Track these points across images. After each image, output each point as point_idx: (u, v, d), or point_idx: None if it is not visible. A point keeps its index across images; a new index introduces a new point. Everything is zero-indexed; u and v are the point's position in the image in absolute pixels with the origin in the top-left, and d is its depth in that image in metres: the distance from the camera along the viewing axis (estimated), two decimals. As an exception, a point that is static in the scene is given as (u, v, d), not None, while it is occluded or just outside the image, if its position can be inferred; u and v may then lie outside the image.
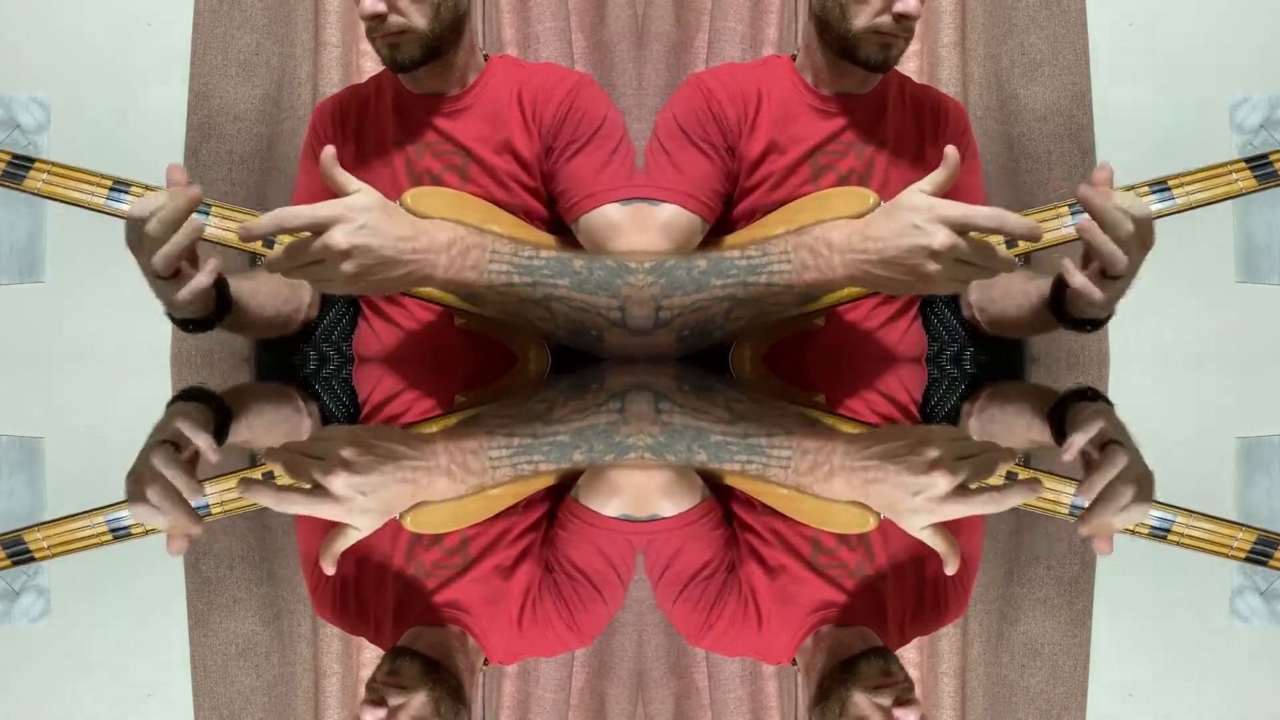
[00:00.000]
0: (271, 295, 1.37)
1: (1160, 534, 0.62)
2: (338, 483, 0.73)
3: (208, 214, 1.21)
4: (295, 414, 1.10)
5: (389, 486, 0.72)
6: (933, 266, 1.10)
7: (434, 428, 1.00)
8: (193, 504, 0.68)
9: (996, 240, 1.14)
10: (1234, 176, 1.18)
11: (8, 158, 1.20)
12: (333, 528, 0.65)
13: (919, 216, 1.10)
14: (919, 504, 0.68)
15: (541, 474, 0.79)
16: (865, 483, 0.75)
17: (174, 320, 1.26)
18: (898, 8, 1.27)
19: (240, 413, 1.03)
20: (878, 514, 0.68)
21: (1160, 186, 1.20)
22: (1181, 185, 1.19)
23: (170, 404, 0.95)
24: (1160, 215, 1.21)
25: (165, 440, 0.82)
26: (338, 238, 1.10)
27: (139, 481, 0.71)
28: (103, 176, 1.19)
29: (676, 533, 0.65)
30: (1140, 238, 1.12)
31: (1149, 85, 2.05)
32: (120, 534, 0.61)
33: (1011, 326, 1.43)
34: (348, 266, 1.11)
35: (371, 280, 1.14)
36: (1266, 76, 2.10)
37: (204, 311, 1.24)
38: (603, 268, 1.22)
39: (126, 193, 1.20)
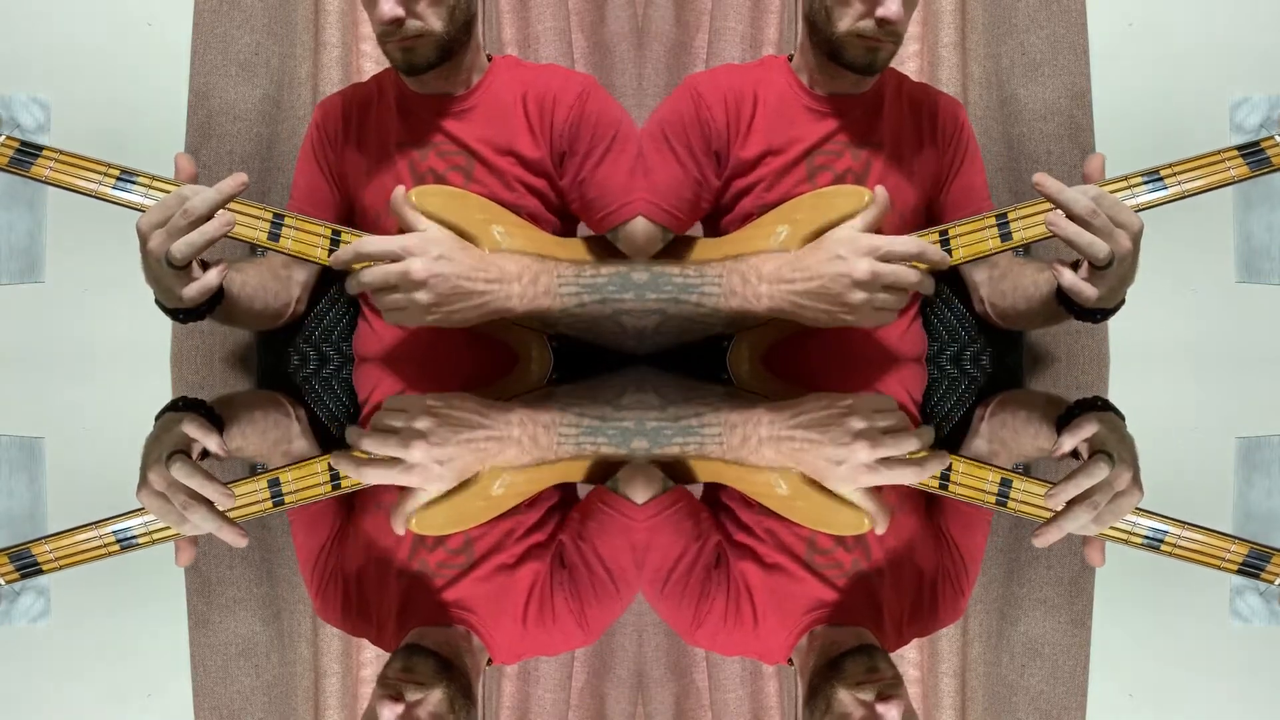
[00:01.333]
0: (260, 289, 1.37)
1: (1153, 545, 0.62)
2: (416, 452, 0.75)
3: None
4: (284, 419, 1.10)
5: (463, 456, 0.75)
6: (857, 295, 1.20)
7: (514, 400, 1.04)
8: (224, 508, 0.68)
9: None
10: (1227, 164, 1.18)
11: (16, 144, 1.20)
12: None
13: (843, 248, 1.20)
14: (843, 472, 0.70)
15: (602, 454, 0.80)
16: (793, 451, 0.78)
17: (164, 309, 1.27)
18: (879, 12, 1.27)
19: (234, 420, 1.04)
20: (882, 522, 0.68)
21: (1152, 176, 1.20)
22: (1174, 174, 1.19)
23: (160, 415, 0.96)
24: (1154, 205, 1.21)
25: (175, 450, 0.83)
26: (416, 267, 1.19)
27: (167, 496, 0.71)
28: (110, 165, 1.19)
29: (643, 524, 0.65)
30: (1117, 220, 1.14)
31: (1149, 85, 2.05)
32: (128, 544, 0.61)
33: (1023, 319, 1.44)
34: (423, 296, 1.20)
35: (449, 310, 1.22)
36: (1266, 76, 2.10)
37: (196, 302, 1.24)
38: (646, 273, 1.28)
39: (134, 182, 1.20)
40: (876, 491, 0.67)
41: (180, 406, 0.99)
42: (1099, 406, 1.01)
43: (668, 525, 0.65)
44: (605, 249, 1.37)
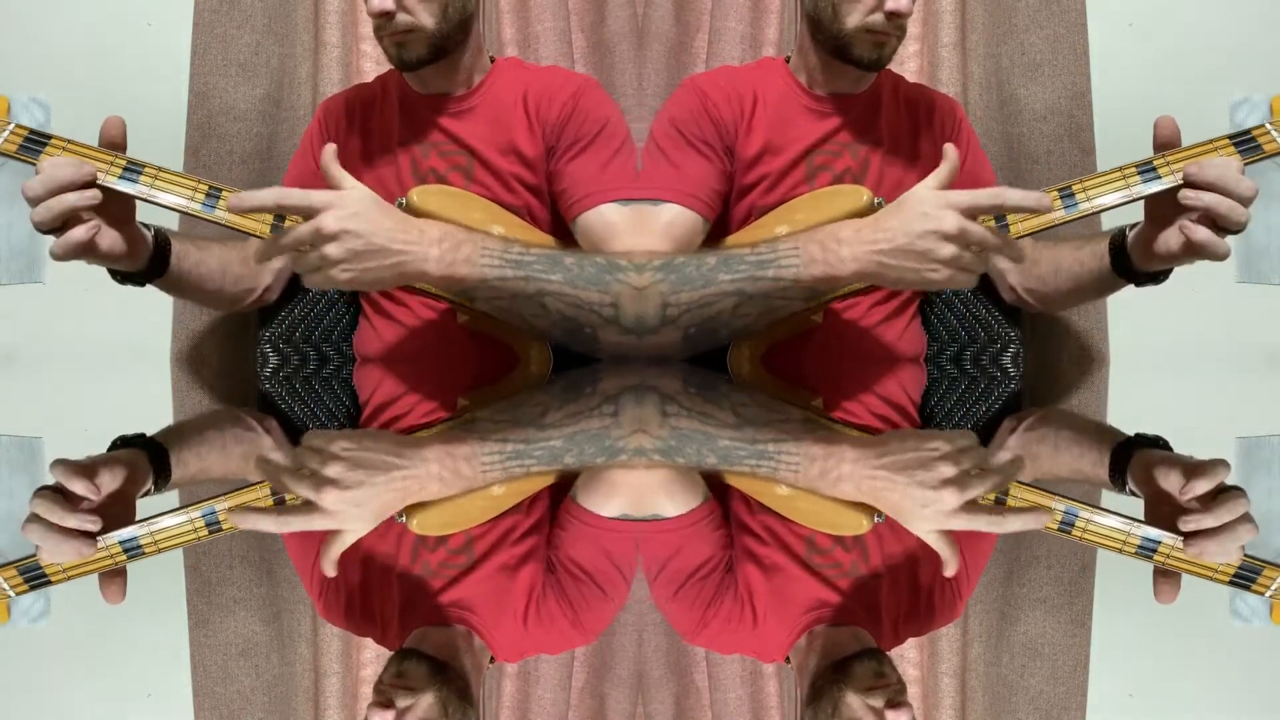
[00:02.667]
0: (219, 270, 1.36)
1: (1147, 554, 0.62)
2: (329, 499, 0.73)
3: (218, 198, 1.21)
4: (247, 432, 1.09)
5: (379, 496, 0.73)
6: (945, 250, 1.14)
7: (427, 434, 1.01)
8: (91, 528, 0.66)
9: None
10: (1219, 154, 1.18)
11: (25, 132, 1.20)
12: (328, 533, 0.65)
13: (927, 205, 1.15)
14: (927, 514, 0.69)
15: (533, 474, 0.79)
16: (874, 490, 0.76)
17: (110, 271, 1.27)
18: (889, 6, 1.27)
19: (185, 445, 1.02)
20: (873, 516, 0.68)
21: (1146, 168, 1.20)
22: (1167, 165, 1.19)
23: (109, 450, 0.95)
24: (1151, 196, 1.21)
25: (49, 488, 0.80)
26: (328, 220, 1.13)
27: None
28: (116, 156, 1.19)
29: (677, 533, 0.65)
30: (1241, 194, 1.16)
31: (1149, 85, 2.05)
32: (134, 553, 0.61)
33: (1069, 298, 1.46)
34: (335, 250, 1.14)
35: (361, 268, 1.15)
36: (1266, 76, 2.10)
37: (131, 265, 1.24)
38: (593, 264, 1.23)
39: (140, 174, 1.20)
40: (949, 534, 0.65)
41: (124, 444, 0.98)
42: (1155, 444, 1.00)
43: (703, 533, 0.65)
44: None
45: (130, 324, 1.71)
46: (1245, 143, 1.19)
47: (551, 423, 1.03)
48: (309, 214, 1.14)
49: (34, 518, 0.69)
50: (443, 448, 0.91)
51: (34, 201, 1.15)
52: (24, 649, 0.51)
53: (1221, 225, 1.17)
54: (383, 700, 0.43)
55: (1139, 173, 1.21)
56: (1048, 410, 1.29)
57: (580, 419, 1.05)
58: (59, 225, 1.16)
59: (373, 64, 1.77)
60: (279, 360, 1.55)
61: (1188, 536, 0.66)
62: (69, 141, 1.19)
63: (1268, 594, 0.56)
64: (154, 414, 1.33)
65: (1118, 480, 0.84)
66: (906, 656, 0.48)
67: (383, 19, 1.30)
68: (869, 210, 1.27)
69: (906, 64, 1.78)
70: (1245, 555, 0.62)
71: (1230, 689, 0.48)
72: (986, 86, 1.80)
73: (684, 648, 0.50)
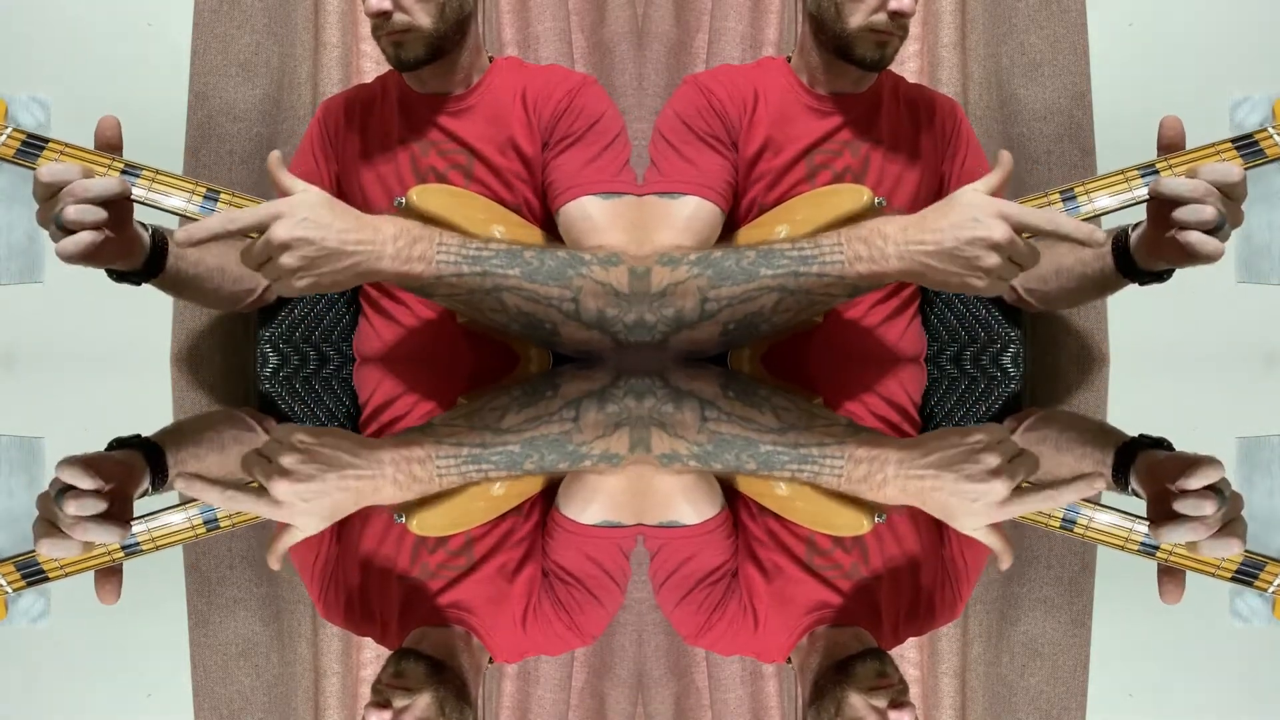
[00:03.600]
0: (217, 269, 1.36)
1: (1149, 551, 0.62)
2: (280, 489, 0.73)
3: (216, 200, 1.21)
4: (246, 432, 1.09)
5: (330, 494, 0.73)
6: (991, 259, 1.13)
7: (385, 438, 1.00)
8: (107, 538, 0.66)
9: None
10: (1221, 157, 1.18)
11: (22, 136, 1.19)
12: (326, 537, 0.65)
13: (979, 211, 1.13)
14: (978, 508, 0.69)
15: (491, 480, 0.79)
16: (920, 491, 0.76)
17: (106, 270, 1.26)
18: (893, 5, 1.27)
19: (183, 445, 1.01)
20: (873, 517, 0.68)
21: (1148, 171, 1.20)
22: (1169, 168, 1.19)
23: (107, 450, 0.95)
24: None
25: (64, 488, 0.80)
26: (278, 231, 1.12)
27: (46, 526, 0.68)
28: (114, 159, 1.19)
29: (694, 540, 0.65)
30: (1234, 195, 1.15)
31: (1149, 85, 2.05)
32: (131, 550, 0.61)
33: (1070, 298, 1.46)
34: (289, 259, 1.12)
35: (318, 273, 1.14)
36: (1266, 76, 2.10)
37: (129, 265, 1.23)
38: (554, 258, 1.22)
39: (138, 177, 1.20)
40: (998, 527, 0.65)
41: (123, 445, 0.97)
42: (1158, 445, 1.00)
43: (715, 541, 0.65)
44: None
45: (130, 324, 1.71)
46: (1247, 146, 1.19)
47: (509, 426, 1.02)
48: (261, 229, 1.13)
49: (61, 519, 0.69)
50: (398, 450, 0.91)
51: (64, 196, 1.12)
52: (24, 649, 0.51)
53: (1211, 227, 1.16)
54: (380, 700, 0.43)
55: (1141, 175, 1.21)
56: (1049, 411, 1.29)
57: (539, 423, 1.04)
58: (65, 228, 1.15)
59: (373, 64, 1.77)
60: (279, 360, 1.55)
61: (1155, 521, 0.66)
62: (67, 145, 1.19)
63: (1270, 590, 0.56)
64: (154, 414, 1.33)
65: (1120, 481, 0.84)
66: (906, 656, 0.48)
67: (380, 19, 1.30)
68: (869, 209, 1.27)
69: (906, 64, 1.78)
70: (1247, 552, 0.62)
71: (1230, 689, 0.48)
72: (986, 86, 1.80)
73: (684, 648, 0.50)
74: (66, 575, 0.57)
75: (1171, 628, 0.54)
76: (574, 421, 1.05)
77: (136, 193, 1.19)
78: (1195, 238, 1.15)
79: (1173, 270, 1.28)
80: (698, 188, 1.32)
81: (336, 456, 0.87)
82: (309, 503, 0.70)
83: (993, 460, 0.83)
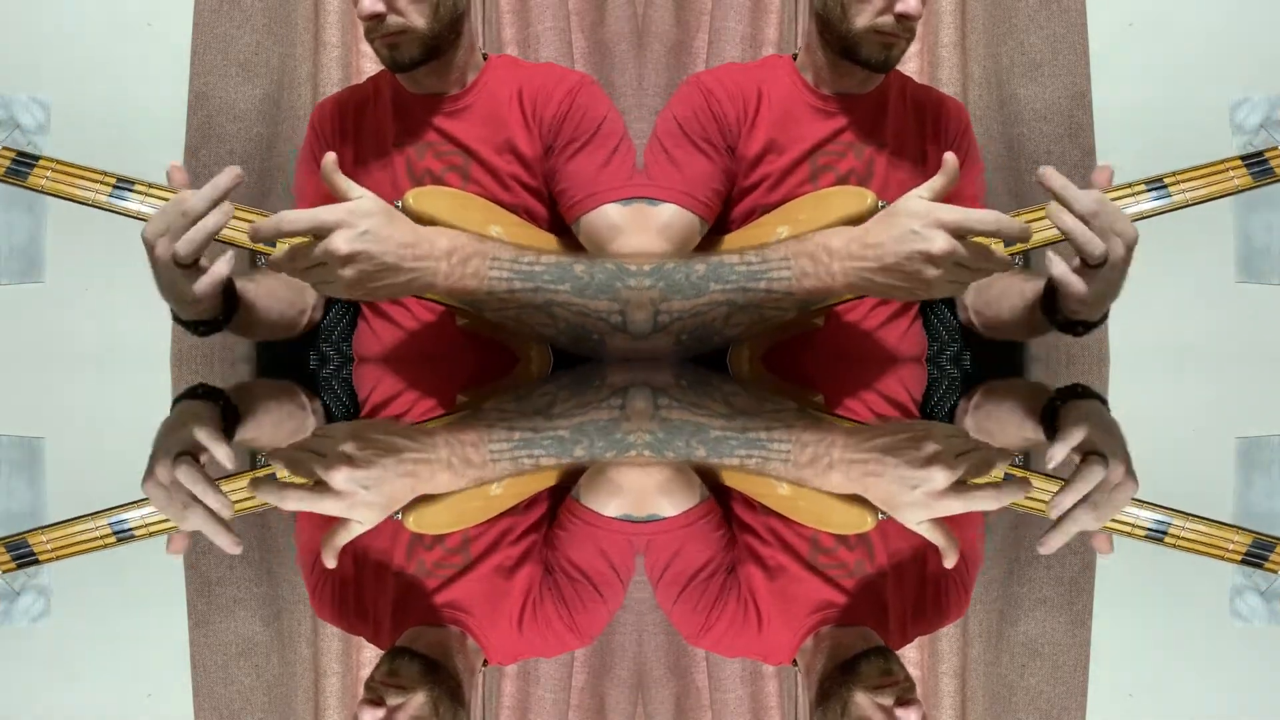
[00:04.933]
0: (272, 298, 1.36)
1: (1157, 536, 0.62)
2: (339, 478, 0.73)
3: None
4: (299, 410, 1.10)
5: (390, 480, 0.73)
6: (932, 271, 1.12)
7: (436, 423, 1.01)
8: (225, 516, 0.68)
9: (994, 241, 1.15)
10: (1230, 174, 1.18)
11: (12, 155, 1.20)
12: (333, 523, 0.65)
13: (917, 222, 1.12)
14: (917, 498, 0.69)
15: (542, 468, 0.79)
16: (863, 475, 0.76)
17: (183, 323, 1.25)
18: (899, 8, 1.27)
19: (246, 412, 1.03)
20: (876, 514, 0.68)
21: (1156, 184, 1.20)
22: (1177, 183, 1.19)
23: (176, 401, 0.95)
24: (1158, 213, 1.21)
25: (183, 451, 0.82)
26: (339, 243, 1.11)
27: (170, 496, 0.70)
28: (106, 174, 1.19)
29: (677, 533, 0.65)
30: (1114, 228, 1.13)
31: (1149, 85, 2.05)
32: (124, 536, 0.61)
33: (1006, 329, 1.42)
34: (348, 272, 1.12)
35: (372, 286, 1.15)
36: (1266, 76, 2.10)
37: (213, 312, 1.23)
38: (603, 271, 1.23)
39: (131, 190, 1.20)
40: (944, 522, 0.66)
41: (199, 394, 0.98)
42: (1079, 394, 1.00)
43: (701, 533, 0.65)
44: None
45: (130, 324, 1.71)
46: (1257, 164, 1.19)
47: (560, 413, 1.03)
48: (319, 233, 1.12)
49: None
50: (451, 434, 0.91)
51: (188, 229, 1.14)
52: (24, 649, 0.51)
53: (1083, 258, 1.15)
54: (374, 698, 0.43)
55: (1148, 189, 1.20)
56: (988, 386, 1.29)
57: (589, 410, 1.05)
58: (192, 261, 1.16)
59: (372, 64, 1.77)
60: (280, 360, 1.55)
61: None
62: (57, 162, 1.19)
63: None
64: (154, 414, 1.33)
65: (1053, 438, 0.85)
66: (907, 656, 0.48)
67: (374, 21, 1.29)
68: (871, 213, 1.27)
69: (907, 64, 1.78)
70: (1257, 534, 0.62)
71: (1230, 689, 0.48)
72: (986, 86, 1.80)
73: (684, 647, 0.50)
74: (58, 558, 0.57)
75: (1172, 628, 0.54)
76: (621, 410, 1.06)
77: (131, 206, 1.20)
78: (1059, 270, 1.15)
79: (1093, 326, 1.25)
80: (677, 194, 1.32)
81: (392, 442, 0.87)
82: (369, 490, 0.70)
83: (932, 447, 0.84)
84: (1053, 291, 1.23)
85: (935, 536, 0.62)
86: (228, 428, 0.88)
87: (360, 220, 1.12)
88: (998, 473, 0.78)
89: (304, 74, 1.79)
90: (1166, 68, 2.08)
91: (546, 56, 1.78)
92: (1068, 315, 1.23)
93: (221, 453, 0.82)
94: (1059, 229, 1.15)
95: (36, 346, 2.09)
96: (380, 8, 1.27)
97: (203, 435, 0.87)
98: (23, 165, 1.19)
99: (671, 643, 0.51)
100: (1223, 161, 1.19)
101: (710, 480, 0.78)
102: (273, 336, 1.49)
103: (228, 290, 1.24)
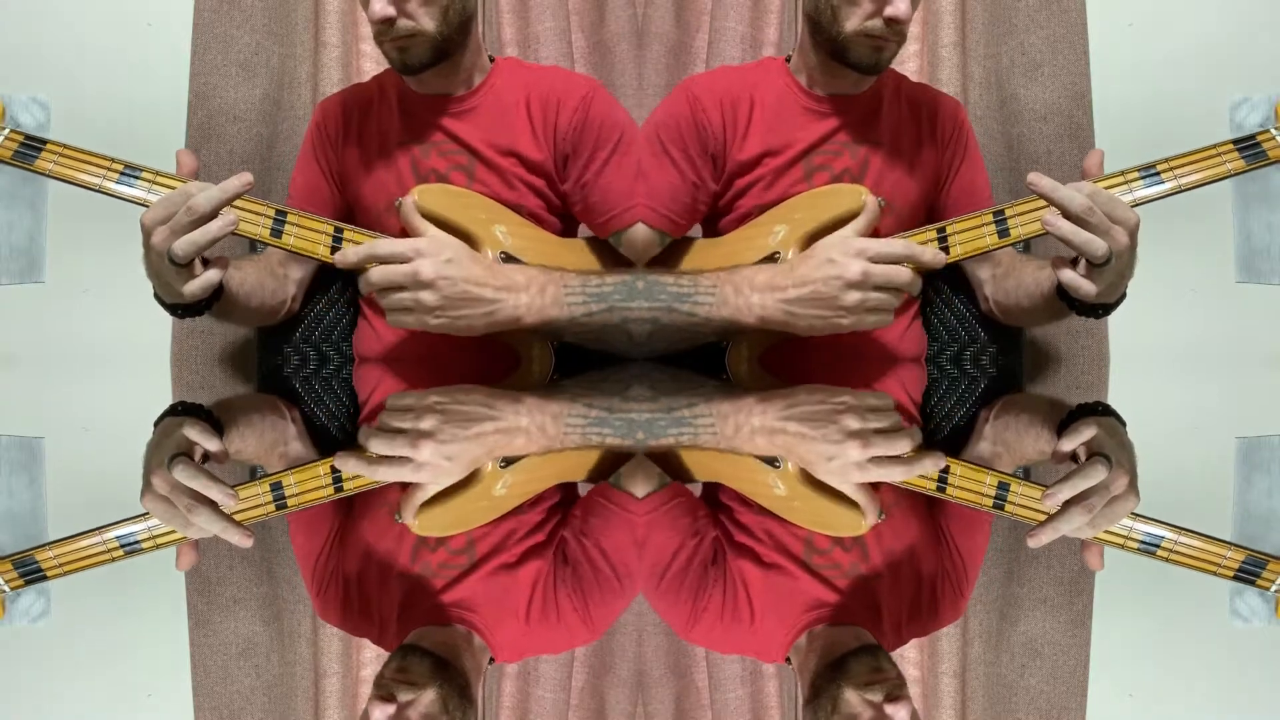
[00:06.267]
0: (257, 286, 1.37)
1: (1150, 550, 0.62)
2: (425, 452, 0.76)
3: None
4: (280, 420, 1.10)
5: (471, 449, 0.76)
6: (850, 296, 1.20)
7: (523, 390, 1.05)
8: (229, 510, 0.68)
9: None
10: (1223, 158, 1.18)
11: (20, 138, 1.20)
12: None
13: (834, 252, 1.21)
14: (835, 467, 0.71)
15: (608, 446, 0.82)
16: (785, 443, 0.78)
17: (162, 304, 1.28)
18: (888, 11, 1.27)
19: (232, 423, 1.04)
20: (875, 514, 0.68)
21: (1149, 171, 1.20)
22: (1170, 169, 1.19)
23: (159, 420, 0.96)
24: (1151, 200, 1.21)
25: (177, 453, 0.82)
26: (425, 268, 1.20)
27: (171, 499, 0.70)
28: (114, 160, 1.19)
29: (642, 519, 0.65)
30: (1113, 217, 1.15)
31: (1149, 85, 2.05)
32: (131, 549, 0.61)
33: (1026, 316, 1.45)
34: (429, 296, 1.20)
35: (454, 315, 1.22)
36: (1266, 76, 2.10)
37: (198, 299, 1.25)
38: (657, 283, 1.28)
39: (138, 178, 1.20)
40: (872, 487, 0.67)
41: (179, 411, 0.99)
42: (1100, 411, 1.01)
43: (664, 520, 0.65)
44: (607, 249, 1.38)
45: (130, 324, 1.71)
46: (1249, 148, 1.19)
47: (635, 396, 1.06)
48: (402, 260, 1.20)
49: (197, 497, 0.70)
50: (537, 401, 0.94)
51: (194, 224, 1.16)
52: (24, 649, 0.51)
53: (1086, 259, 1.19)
54: (384, 694, 0.43)
55: (1141, 176, 1.21)
56: (1009, 398, 1.30)
57: (661, 398, 1.08)
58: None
59: (373, 64, 1.77)
60: (279, 360, 1.55)
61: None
62: (65, 146, 1.19)
63: (1272, 589, 0.56)
64: (154, 414, 1.33)
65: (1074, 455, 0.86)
66: (906, 656, 0.48)
67: (384, 25, 1.29)
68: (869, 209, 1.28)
69: (907, 64, 1.78)
70: (1250, 550, 0.62)
71: (1230, 689, 0.48)
72: (986, 86, 1.80)
73: (684, 648, 0.50)
74: (65, 574, 0.57)
75: (1171, 628, 0.54)
76: (691, 403, 1.09)
77: (137, 194, 1.20)
78: (1069, 277, 1.20)
79: (1113, 307, 1.27)
80: (643, 209, 1.35)
81: (475, 410, 0.91)
82: (452, 461, 0.73)
83: (852, 424, 0.86)
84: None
85: (858, 496, 0.66)
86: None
87: (445, 249, 1.21)
88: (911, 445, 0.80)
89: (304, 74, 1.79)
90: (1166, 68, 2.08)
91: (546, 56, 1.78)
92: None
93: (214, 444, 0.83)
94: (1057, 237, 1.16)
95: (36, 346, 2.09)
96: (391, 11, 1.28)
97: (193, 432, 0.88)
98: (30, 149, 1.19)
99: (671, 643, 0.51)
100: (1215, 146, 1.19)
101: (686, 476, 0.78)
102: (253, 323, 1.51)
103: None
